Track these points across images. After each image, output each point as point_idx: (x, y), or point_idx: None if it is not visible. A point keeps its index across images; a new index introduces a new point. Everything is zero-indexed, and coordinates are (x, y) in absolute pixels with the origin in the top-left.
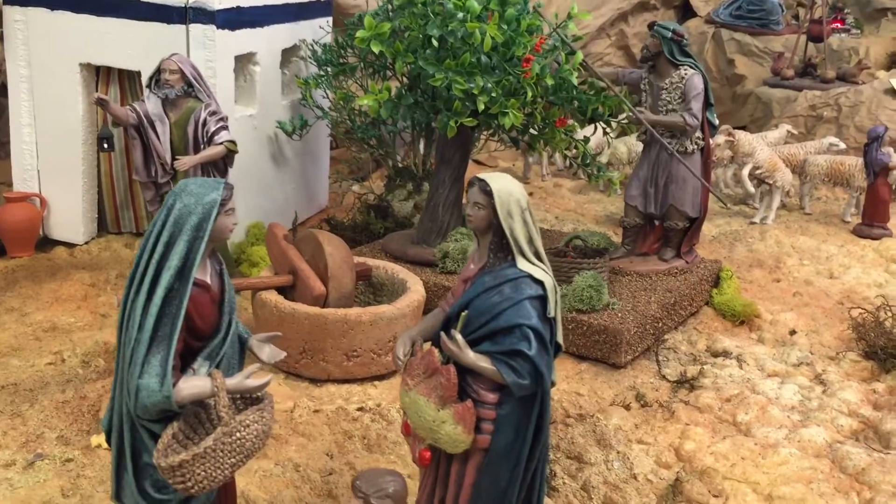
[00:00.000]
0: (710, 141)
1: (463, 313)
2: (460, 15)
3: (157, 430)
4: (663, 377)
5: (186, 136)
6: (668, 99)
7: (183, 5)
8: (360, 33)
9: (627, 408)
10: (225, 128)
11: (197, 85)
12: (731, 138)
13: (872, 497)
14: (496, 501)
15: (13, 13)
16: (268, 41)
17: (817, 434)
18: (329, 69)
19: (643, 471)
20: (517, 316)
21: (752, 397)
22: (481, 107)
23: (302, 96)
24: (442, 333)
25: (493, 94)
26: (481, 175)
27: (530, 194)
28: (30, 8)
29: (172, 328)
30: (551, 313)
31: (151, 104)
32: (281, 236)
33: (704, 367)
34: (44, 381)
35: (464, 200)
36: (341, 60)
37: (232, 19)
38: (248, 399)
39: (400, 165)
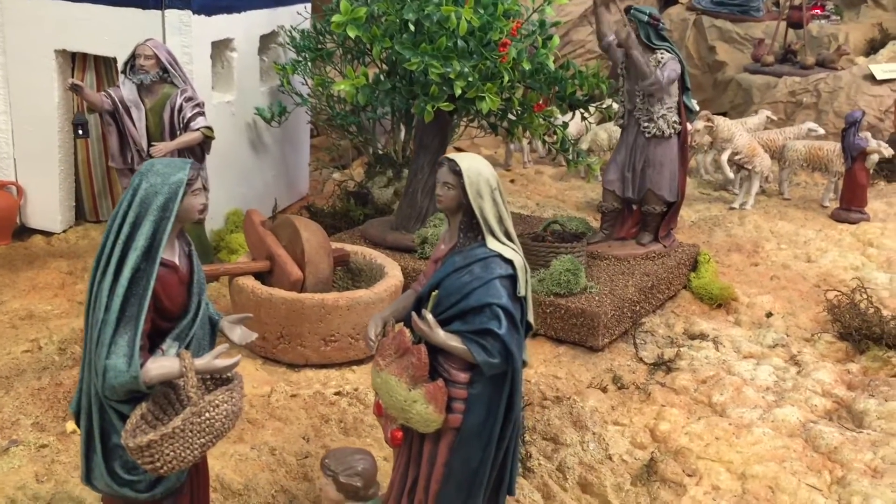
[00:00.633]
0: (688, 125)
1: (433, 293)
2: None
3: (126, 410)
4: (640, 360)
5: (162, 122)
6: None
7: None
8: (335, 18)
9: (604, 390)
10: (201, 114)
11: (172, 70)
12: (711, 124)
13: (844, 475)
14: (468, 480)
15: None
16: (245, 27)
17: (791, 414)
18: (306, 55)
19: (618, 451)
20: (487, 295)
21: (728, 378)
22: (458, 91)
23: (280, 83)
24: (413, 313)
25: (470, 79)
26: (450, 155)
27: (511, 181)
28: None
29: (139, 308)
30: (521, 292)
31: (126, 90)
32: (258, 222)
33: (681, 349)
34: (20, 368)
35: None
36: (319, 46)
37: (208, 4)
38: (217, 380)
39: (380, 152)
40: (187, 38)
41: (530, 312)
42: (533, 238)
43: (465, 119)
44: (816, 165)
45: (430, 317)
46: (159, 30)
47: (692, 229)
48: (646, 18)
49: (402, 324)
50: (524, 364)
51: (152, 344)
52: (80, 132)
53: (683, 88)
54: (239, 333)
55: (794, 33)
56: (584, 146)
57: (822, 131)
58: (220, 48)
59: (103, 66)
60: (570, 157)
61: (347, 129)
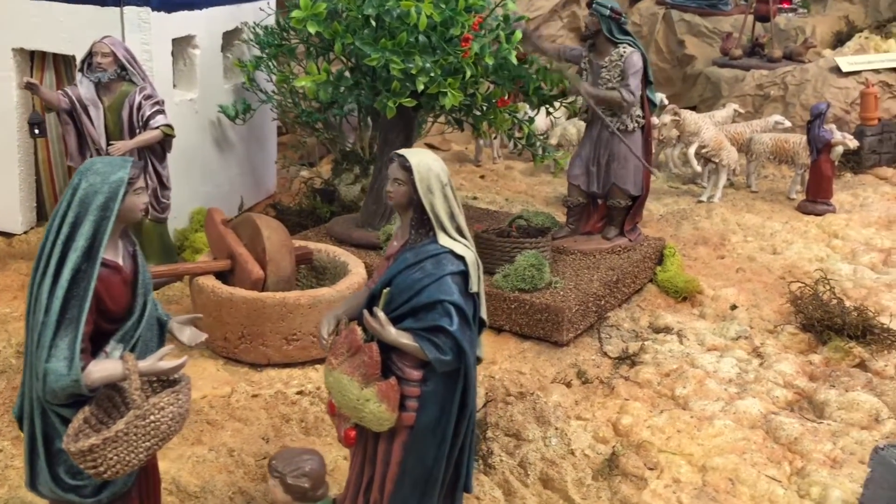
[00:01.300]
0: (653, 119)
1: (385, 290)
2: None
3: (69, 414)
4: (605, 354)
5: (121, 121)
6: (607, 77)
7: None
8: (295, 13)
9: (568, 385)
10: (161, 112)
11: (130, 68)
12: (677, 118)
13: (803, 466)
14: (423, 478)
15: None
16: (207, 23)
17: (752, 406)
18: (269, 51)
19: (581, 446)
20: (439, 292)
21: (691, 371)
22: (420, 87)
23: (244, 80)
24: (364, 311)
25: (433, 74)
26: (401, 151)
27: (482, 177)
28: None
29: (80, 310)
30: (473, 288)
31: (84, 88)
32: (219, 221)
33: (645, 343)
34: None
35: None
36: (283, 42)
37: (168, 1)
38: (165, 381)
39: (349, 149)
40: (147, 35)
41: (483, 308)
42: (498, 233)
43: (431, 115)
44: (783, 158)
45: (381, 314)
46: (118, 27)
47: (660, 223)
48: (607, 13)
49: (354, 322)
50: (478, 360)
51: (96, 346)
52: (37, 131)
53: (647, 82)
54: (188, 334)
55: (761, 26)
56: (553, 141)
57: (788, 124)
58: (182, 45)
59: (63, 65)
60: (537, 152)
61: (314, 127)
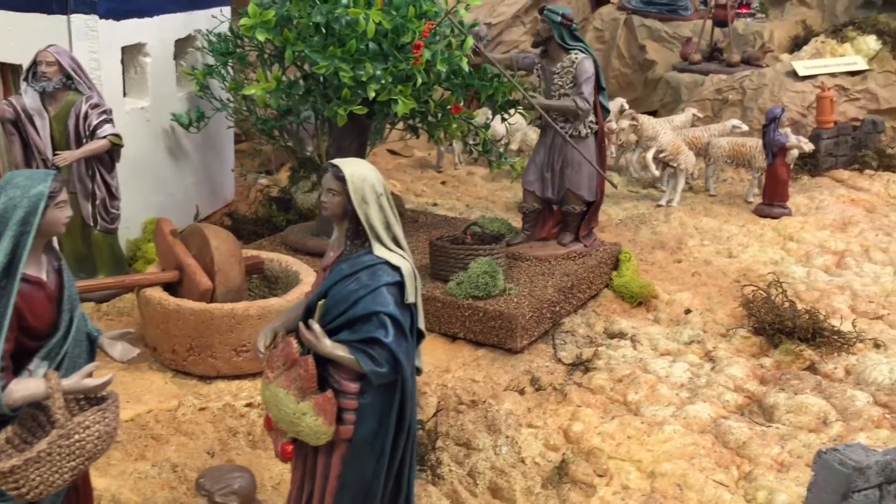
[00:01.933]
0: (607, 125)
1: (320, 302)
2: (345, 0)
3: None
4: (559, 360)
5: (67, 130)
6: (560, 83)
7: None
8: (243, 21)
9: (521, 392)
10: (108, 121)
11: (76, 77)
12: (635, 122)
13: (751, 470)
14: (363, 492)
15: None
16: (158, 31)
17: (703, 410)
18: (220, 59)
19: (531, 454)
20: (374, 303)
21: (643, 377)
22: (371, 94)
23: (198, 88)
24: (300, 323)
25: (383, 82)
26: (334, 161)
27: (443, 183)
28: None
29: None
30: (410, 299)
31: (29, 98)
32: (168, 231)
33: (599, 348)
34: None
35: None
36: (237, 50)
37: (116, 9)
38: (91, 399)
39: (307, 156)
40: (94, 43)
41: (421, 319)
42: (452, 241)
43: (388, 122)
44: (740, 161)
45: (316, 327)
46: (65, 35)
47: (619, 227)
48: (559, 19)
49: (291, 335)
50: (418, 371)
51: (19, 364)
52: None
53: (599, 88)
54: (120, 350)
55: (720, 31)
56: (514, 147)
57: (745, 128)
58: (133, 53)
59: (10, 74)
60: (493, 158)
61: (270, 134)
